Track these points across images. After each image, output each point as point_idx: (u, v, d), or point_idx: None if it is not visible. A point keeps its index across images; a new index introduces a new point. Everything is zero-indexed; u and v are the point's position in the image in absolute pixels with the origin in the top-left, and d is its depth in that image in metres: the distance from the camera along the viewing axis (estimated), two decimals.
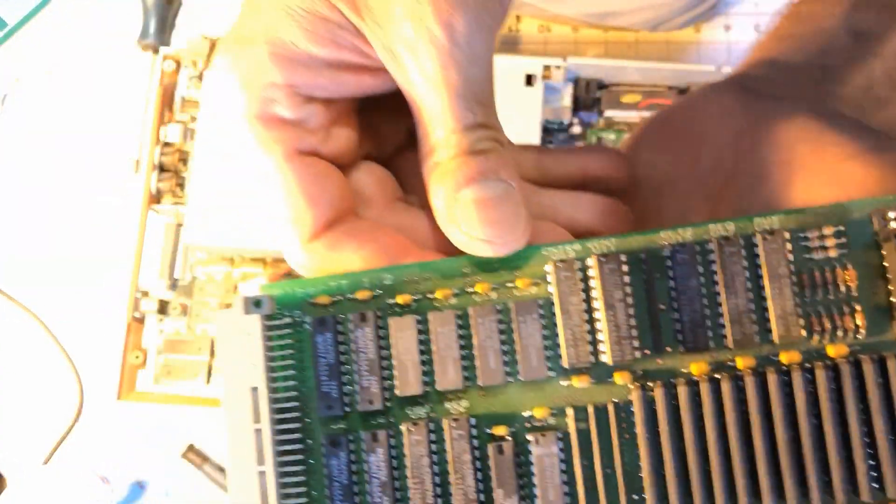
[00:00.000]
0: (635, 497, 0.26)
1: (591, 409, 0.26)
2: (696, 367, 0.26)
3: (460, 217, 0.26)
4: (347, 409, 0.27)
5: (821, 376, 0.25)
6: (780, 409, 0.25)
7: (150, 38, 0.88)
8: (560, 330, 0.27)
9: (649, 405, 0.26)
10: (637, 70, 0.82)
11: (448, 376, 0.27)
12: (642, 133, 0.33)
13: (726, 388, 0.26)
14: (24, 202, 0.87)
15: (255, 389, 0.26)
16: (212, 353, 0.81)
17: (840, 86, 0.32)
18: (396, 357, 0.27)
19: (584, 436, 0.26)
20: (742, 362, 0.26)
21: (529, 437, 0.26)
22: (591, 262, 0.26)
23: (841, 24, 0.34)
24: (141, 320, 0.82)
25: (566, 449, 0.26)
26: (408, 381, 0.27)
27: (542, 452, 0.26)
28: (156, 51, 0.87)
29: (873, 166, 0.27)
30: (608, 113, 0.84)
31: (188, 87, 0.84)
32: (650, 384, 0.26)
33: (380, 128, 0.30)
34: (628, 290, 0.26)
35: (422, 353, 0.27)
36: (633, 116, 0.83)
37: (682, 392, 0.26)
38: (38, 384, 0.84)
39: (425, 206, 0.28)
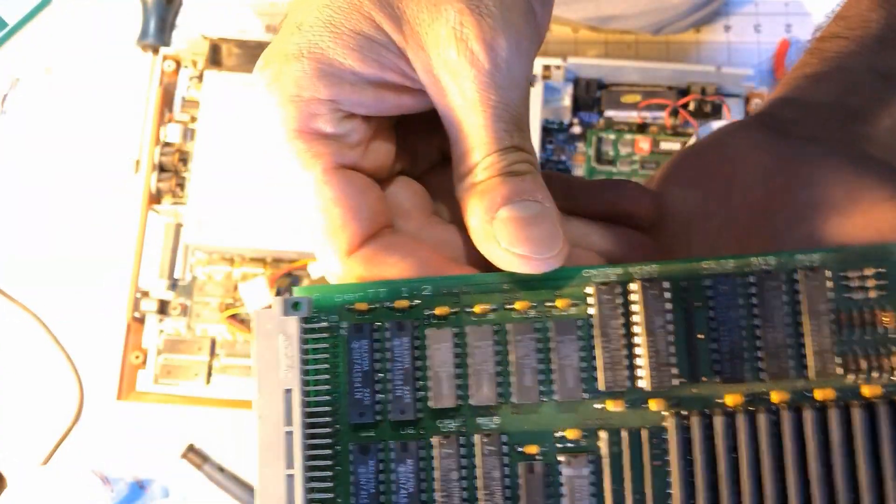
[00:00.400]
0: None
1: (624, 434, 0.26)
2: (732, 398, 0.26)
3: (499, 234, 0.26)
4: (378, 417, 0.27)
5: (855, 415, 0.25)
6: (813, 445, 0.25)
7: (150, 38, 0.88)
8: (598, 352, 0.26)
9: (684, 433, 0.26)
10: (637, 70, 0.82)
11: (483, 392, 0.26)
12: (672, 168, 0.33)
13: (762, 420, 0.26)
14: (24, 202, 0.87)
15: (288, 391, 0.26)
16: (211, 354, 0.81)
17: (868, 126, 0.32)
18: (432, 369, 0.27)
19: (615, 460, 0.26)
20: (777, 396, 0.26)
21: (561, 457, 0.26)
22: (635, 286, 0.26)
23: (867, 64, 0.34)
24: (141, 320, 0.82)
25: (596, 472, 0.26)
26: (442, 394, 0.27)
27: (573, 474, 0.26)
28: (156, 51, 0.87)
29: None
30: (608, 113, 0.84)
31: (188, 87, 0.85)
32: (685, 412, 0.26)
33: (413, 145, 0.31)
34: (669, 316, 0.26)
35: (457, 366, 0.27)
36: (633, 116, 0.83)
37: (718, 422, 0.26)
38: (38, 384, 0.84)
39: (456, 222, 0.29)
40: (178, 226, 0.82)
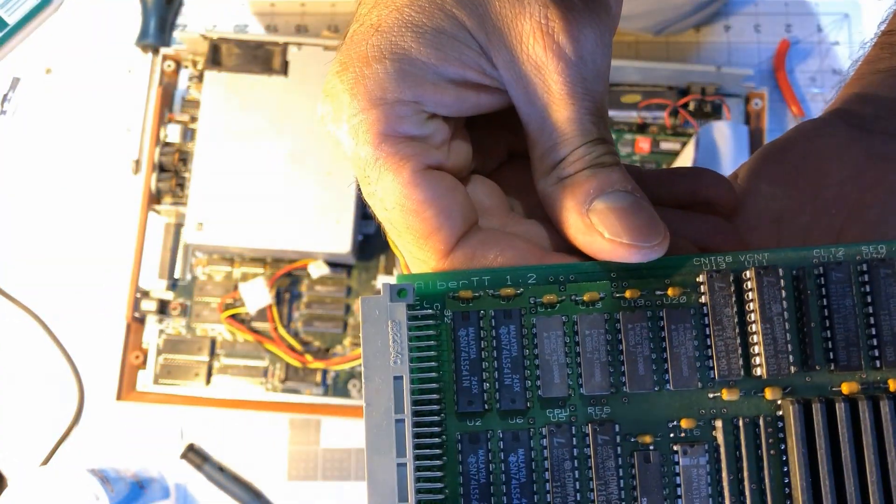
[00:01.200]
0: None
1: (741, 423, 0.26)
2: (847, 386, 0.26)
3: (600, 225, 0.26)
4: (487, 405, 0.26)
5: None
6: None
7: (150, 38, 0.88)
8: (712, 341, 0.26)
9: (804, 419, 0.26)
10: (637, 70, 0.82)
11: (595, 380, 0.26)
12: (757, 165, 0.33)
13: (885, 406, 0.25)
14: (24, 202, 0.87)
15: (398, 378, 0.25)
16: (211, 354, 0.81)
17: None
18: (542, 357, 0.26)
19: (731, 448, 0.26)
20: (894, 384, 0.26)
21: (676, 447, 0.26)
22: (750, 273, 0.26)
23: None
24: (141, 320, 0.82)
25: (713, 461, 0.26)
26: (553, 383, 0.26)
27: (689, 463, 0.26)
28: (156, 51, 0.87)
29: None
30: (608, 113, 0.84)
31: (188, 87, 0.85)
32: (804, 399, 0.26)
33: (482, 143, 0.31)
34: (785, 304, 0.26)
35: (567, 354, 0.26)
36: (633, 116, 0.83)
37: (840, 409, 0.26)
38: (38, 384, 0.84)
39: (534, 217, 0.29)
40: (178, 226, 0.82)
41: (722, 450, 0.26)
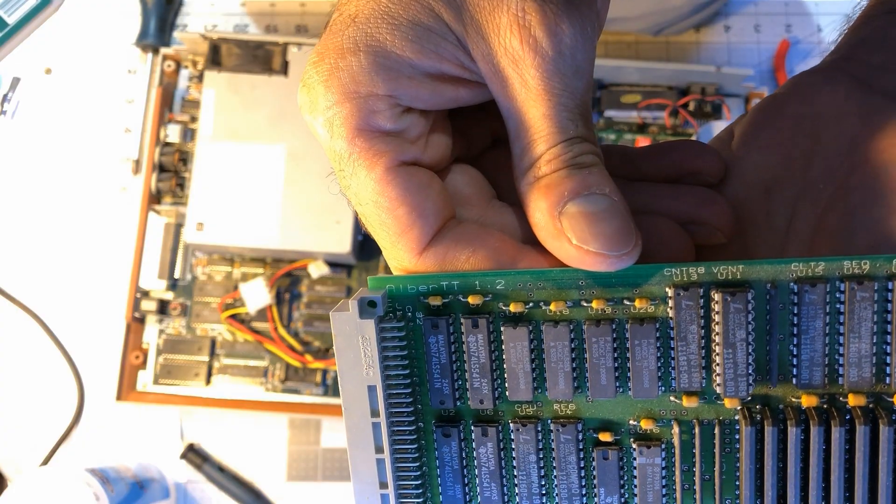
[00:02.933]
0: None
1: (697, 426, 0.27)
2: (807, 399, 0.26)
3: (569, 230, 0.26)
4: (459, 403, 0.28)
5: None
6: (886, 457, 0.25)
7: (150, 38, 0.88)
8: (675, 354, 0.26)
9: (756, 434, 0.26)
10: (637, 70, 0.82)
11: (559, 388, 0.27)
12: (751, 128, 0.31)
13: (835, 426, 0.26)
14: (24, 202, 0.87)
15: (372, 388, 0.27)
16: (211, 354, 0.81)
17: None
18: (508, 364, 0.27)
19: (686, 448, 0.27)
20: (854, 400, 0.26)
21: (634, 445, 0.27)
22: (717, 297, 0.26)
23: None
24: (141, 320, 0.82)
25: (668, 459, 0.27)
26: (518, 389, 0.27)
27: (646, 461, 0.27)
28: (156, 51, 0.87)
29: None
30: (608, 113, 0.84)
31: (188, 87, 0.85)
32: (758, 408, 0.26)
33: (466, 129, 0.30)
34: (751, 328, 0.26)
35: (533, 361, 0.27)
36: (633, 116, 0.83)
37: (792, 431, 0.26)
38: (38, 384, 0.84)
39: (518, 203, 0.28)
40: (178, 226, 0.82)
41: (677, 450, 0.27)
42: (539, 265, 0.27)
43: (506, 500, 0.28)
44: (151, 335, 0.81)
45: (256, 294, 0.79)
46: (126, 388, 0.80)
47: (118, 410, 0.82)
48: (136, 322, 0.81)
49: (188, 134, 0.83)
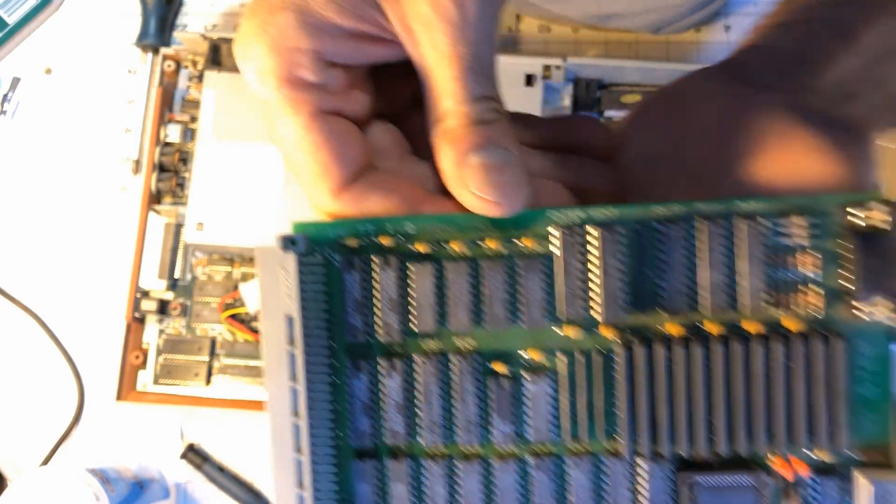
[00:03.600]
0: (610, 430, 0.31)
1: (578, 356, 0.31)
2: (672, 327, 0.30)
3: (469, 179, 0.29)
4: (370, 338, 0.31)
5: (776, 347, 0.30)
6: (740, 371, 0.30)
7: (150, 38, 0.88)
8: (559, 287, 0.30)
9: (630, 357, 0.30)
10: (637, 70, 0.82)
11: (459, 319, 0.31)
12: (641, 110, 0.36)
13: (696, 349, 0.30)
14: (24, 202, 0.87)
15: (290, 318, 0.29)
16: (211, 354, 0.81)
17: (815, 78, 0.34)
18: (415, 299, 0.31)
19: (571, 377, 0.31)
20: (711, 327, 0.30)
21: (525, 375, 0.31)
22: (595, 232, 0.30)
23: (824, 17, 0.36)
24: (141, 320, 0.82)
25: (555, 386, 0.31)
26: (424, 321, 0.31)
27: (535, 389, 0.31)
28: (156, 51, 0.87)
29: (832, 162, 0.31)
30: (608, 113, 0.84)
31: (188, 87, 0.85)
32: (631, 338, 0.30)
33: (388, 89, 0.33)
34: (623, 258, 0.30)
35: (437, 296, 0.31)
36: None
37: (659, 349, 0.30)
38: (38, 384, 0.84)
39: (431, 160, 0.31)
40: (179, 226, 0.82)
41: (563, 377, 0.31)
42: (445, 211, 0.31)
43: (410, 431, 0.31)
44: (151, 335, 0.81)
45: (256, 294, 0.79)
46: (126, 388, 0.80)
47: (118, 410, 0.82)
48: (136, 322, 0.81)
49: (188, 134, 0.83)
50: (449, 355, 0.31)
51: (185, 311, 0.81)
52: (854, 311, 0.30)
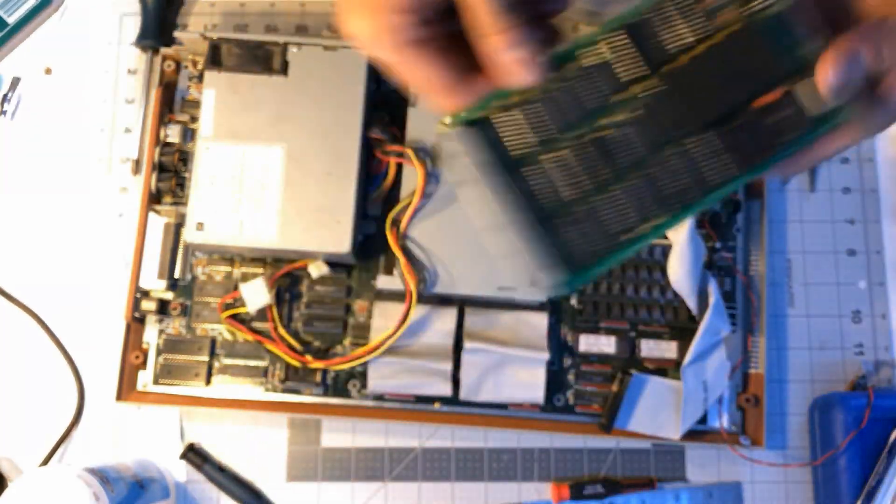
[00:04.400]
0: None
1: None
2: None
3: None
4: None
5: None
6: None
7: (149, 38, 0.88)
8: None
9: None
10: None
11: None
12: None
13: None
14: (23, 202, 0.87)
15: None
16: (211, 354, 0.81)
17: None
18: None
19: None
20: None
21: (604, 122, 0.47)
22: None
23: None
24: (141, 320, 0.82)
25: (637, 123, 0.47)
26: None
27: (618, 133, 0.47)
28: (156, 51, 0.87)
29: None
30: None
31: (188, 87, 0.85)
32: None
33: None
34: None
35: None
36: None
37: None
38: (38, 384, 0.84)
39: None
40: (178, 226, 0.82)
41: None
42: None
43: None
44: (151, 335, 0.81)
45: (256, 294, 0.79)
46: (126, 388, 0.80)
47: (118, 410, 0.82)
48: (136, 322, 0.81)
49: (188, 134, 0.83)
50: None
51: (185, 311, 0.81)
52: None
